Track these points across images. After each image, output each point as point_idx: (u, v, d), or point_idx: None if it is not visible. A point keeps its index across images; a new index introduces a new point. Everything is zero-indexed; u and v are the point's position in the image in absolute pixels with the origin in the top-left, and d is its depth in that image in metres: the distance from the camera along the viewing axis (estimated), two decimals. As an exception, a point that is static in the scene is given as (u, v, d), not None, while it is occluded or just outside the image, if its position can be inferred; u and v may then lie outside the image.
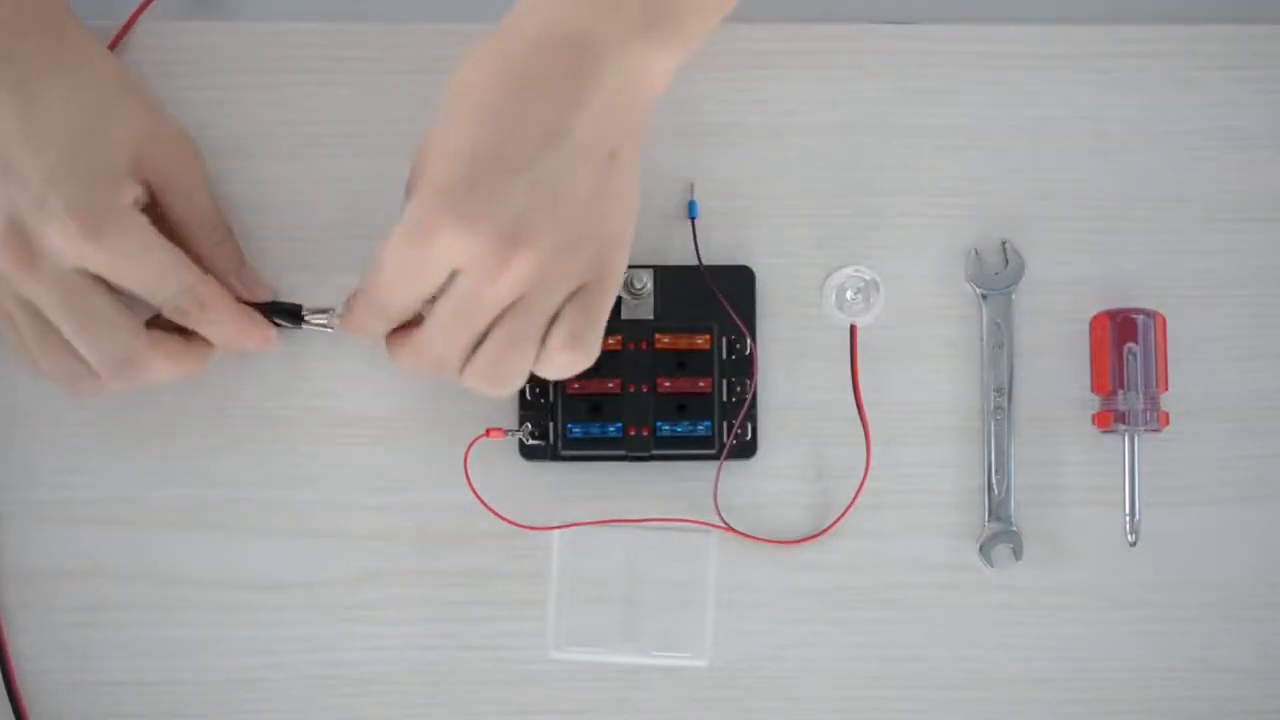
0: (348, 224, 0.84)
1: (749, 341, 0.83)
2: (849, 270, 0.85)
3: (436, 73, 0.83)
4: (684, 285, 0.83)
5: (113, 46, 0.83)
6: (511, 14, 0.72)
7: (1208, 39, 0.86)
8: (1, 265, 0.74)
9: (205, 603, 0.83)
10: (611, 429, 0.81)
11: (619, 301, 0.82)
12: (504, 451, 0.83)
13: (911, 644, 0.83)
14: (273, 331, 0.80)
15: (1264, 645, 0.84)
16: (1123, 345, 0.83)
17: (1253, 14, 0.87)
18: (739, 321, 0.82)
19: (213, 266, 0.79)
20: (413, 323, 0.76)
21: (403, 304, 0.75)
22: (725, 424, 0.82)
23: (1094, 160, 0.85)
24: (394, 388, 0.83)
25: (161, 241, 0.76)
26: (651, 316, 0.83)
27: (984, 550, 0.83)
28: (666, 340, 0.82)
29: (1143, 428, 0.83)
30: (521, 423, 0.82)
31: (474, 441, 0.81)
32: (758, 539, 0.83)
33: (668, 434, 0.82)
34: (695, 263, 0.83)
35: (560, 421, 0.82)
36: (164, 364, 0.78)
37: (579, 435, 0.81)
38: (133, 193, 0.76)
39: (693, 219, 0.84)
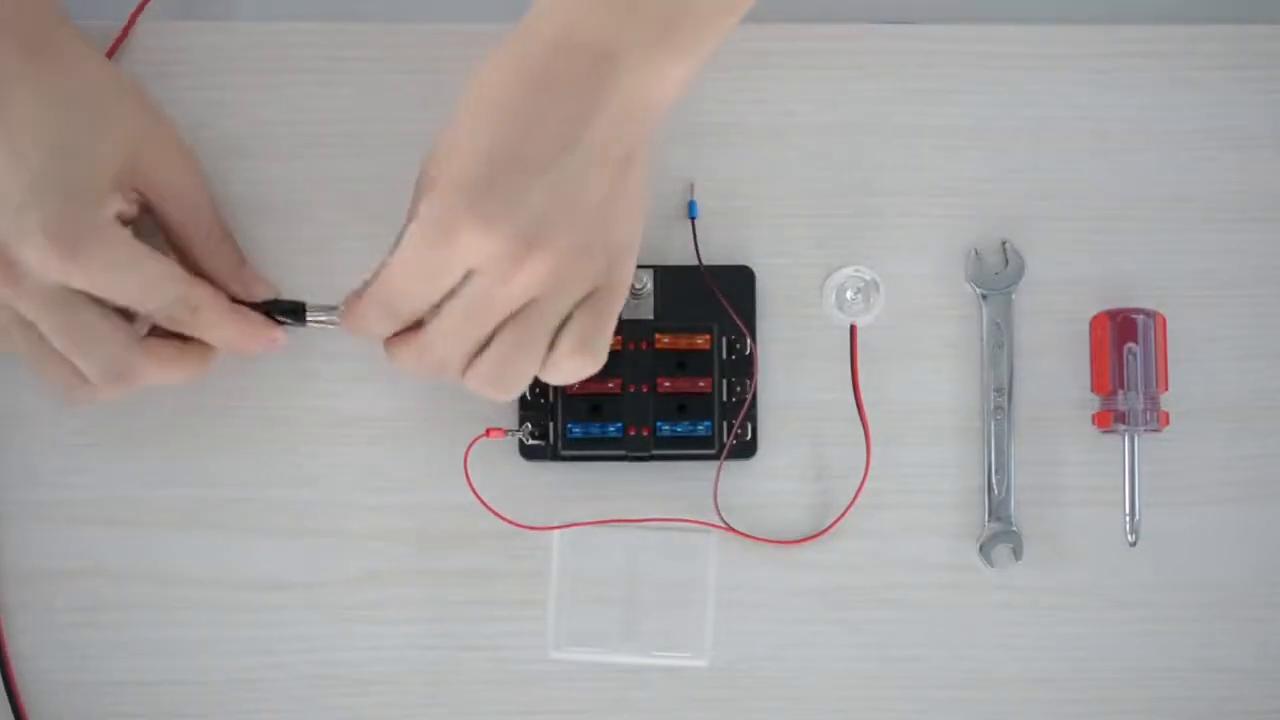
0: (348, 224, 0.84)
1: (749, 341, 0.83)
2: (849, 270, 0.85)
3: (436, 73, 0.83)
4: (684, 285, 0.83)
5: (112, 47, 0.83)
6: (530, 16, 0.72)
7: (1208, 39, 0.86)
8: None
9: (205, 603, 0.83)
10: (611, 429, 0.81)
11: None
12: (504, 451, 0.83)
13: (911, 644, 0.83)
14: (277, 331, 0.79)
15: (1264, 645, 0.84)
16: (1123, 345, 0.83)
17: (1253, 14, 0.87)
18: (739, 321, 0.82)
19: (211, 268, 0.79)
20: (413, 325, 0.76)
21: (414, 304, 0.74)
22: (725, 424, 0.82)
23: (1094, 160, 0.85)
24: (394, 388, 0.83)
25: (144, 252, 0.75)
26: (651, 316, 0.83)
27: (984, 550, 0.83)
28: (666, 340, 0.82)
29: (1143, 428, 0.83)
30: (521, 423, 0.82)
31: (474, 441, 0.81)
32: (758, 539, 0.83)
33: (668, 434, 0.82)
34: (695, 263, 0.83)
35: (560, 421, 0.82)
36: (160, 372, 0.78)
37: (579, 435, 0.81)
38: (115, 206, 0.75)
39: (693, 219, 0.84)
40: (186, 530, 0.83)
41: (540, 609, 0.81)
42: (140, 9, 0.84)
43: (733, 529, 0.82)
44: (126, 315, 0.77)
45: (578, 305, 0.74)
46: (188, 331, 0.77)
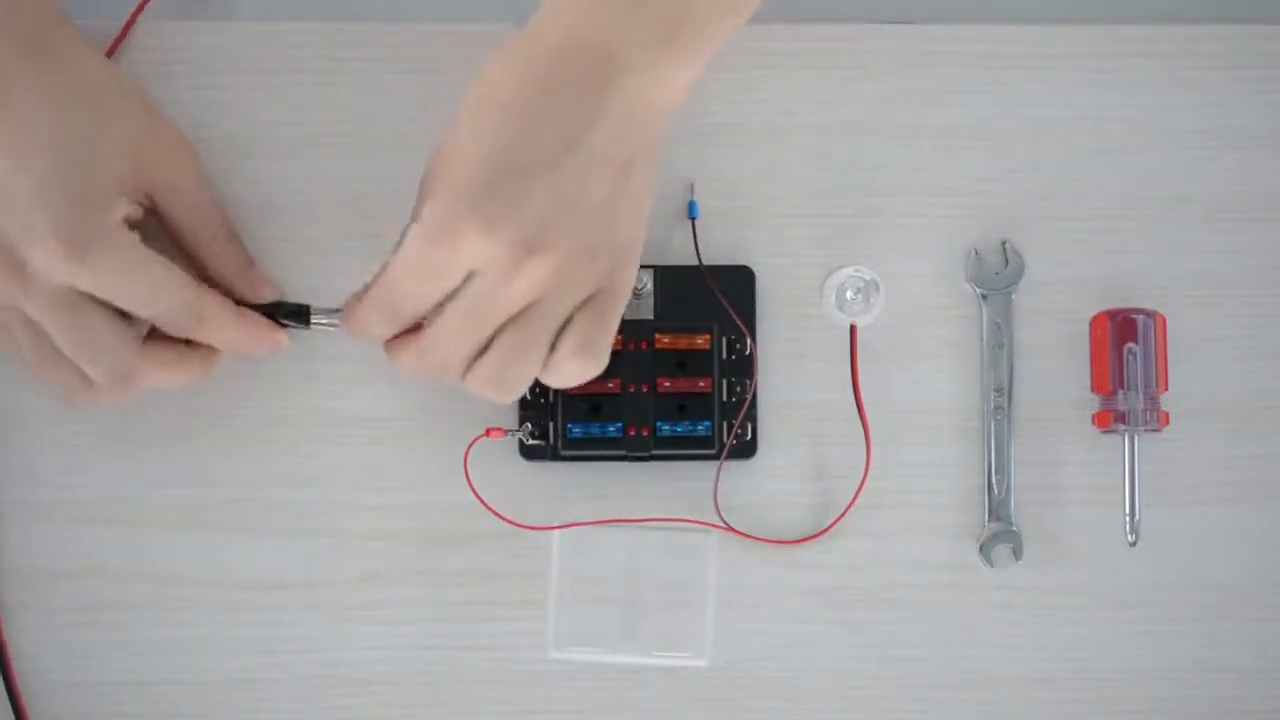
0: (348, 224, 0.84)
1: (749, 341, 0.83)
2: (849, 270, 0.85)
3: (436, 73, 0.83)
4: (684, 285, 0.83)
5: (111, 47, 0.83)
6: (535, 19, 0.72)
7: (1208, 39, 0.86)
8: None
9: (205, 603, 0.82)
10: (611, 429, 0.81)
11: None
12: (504, 451, 0.83)
13: (911, 644, 0.83)
14: (281, 334, 0.79)
15: (1264, 645, 0.84)
16: (1123, 345, 0.83)
17: (1253, 14, 0.87)
18: (739, 321, 0.82)
19: (218, 269, 0.79)
20: (412, 327, 0.76)
21: (415, 306, 0.74)
22: (725, 424, 0.82)
23: (1094, 160, 0.85)
24: (394, 388, 0.83)
25: (151, 258, 0.75)
26: (651, 316, 0.83)
27: (984, 550, 0.83)
28: (666, 340, 0.82)
29: (1143, 428, 0.83)
30: (521, 423, 0.82)
31: (474, 441, 0.81)
32: (758, 539, 0.83)
33: (668, 434, 0.82)
34: (695, 263, 0.83)
35: (560, 421, 0.82)
36: (163, 376, 0.78)
37: (579, 435, 0.81)
38: (123, 210, 0.75)
39: (693, 219, 0.84)
40: (186, 530, 0.83)
41: (540, 609, 0.81)
42: (140, 9, 0.84)
43: (733, 529, 0.82)
44: (128, 318, 0.77)
45: (579, 307, 0.74)
46: (193, 337, 0.77)
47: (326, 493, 0.83)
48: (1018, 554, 0.83)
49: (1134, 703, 0.83)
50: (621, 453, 0.82)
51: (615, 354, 0.81)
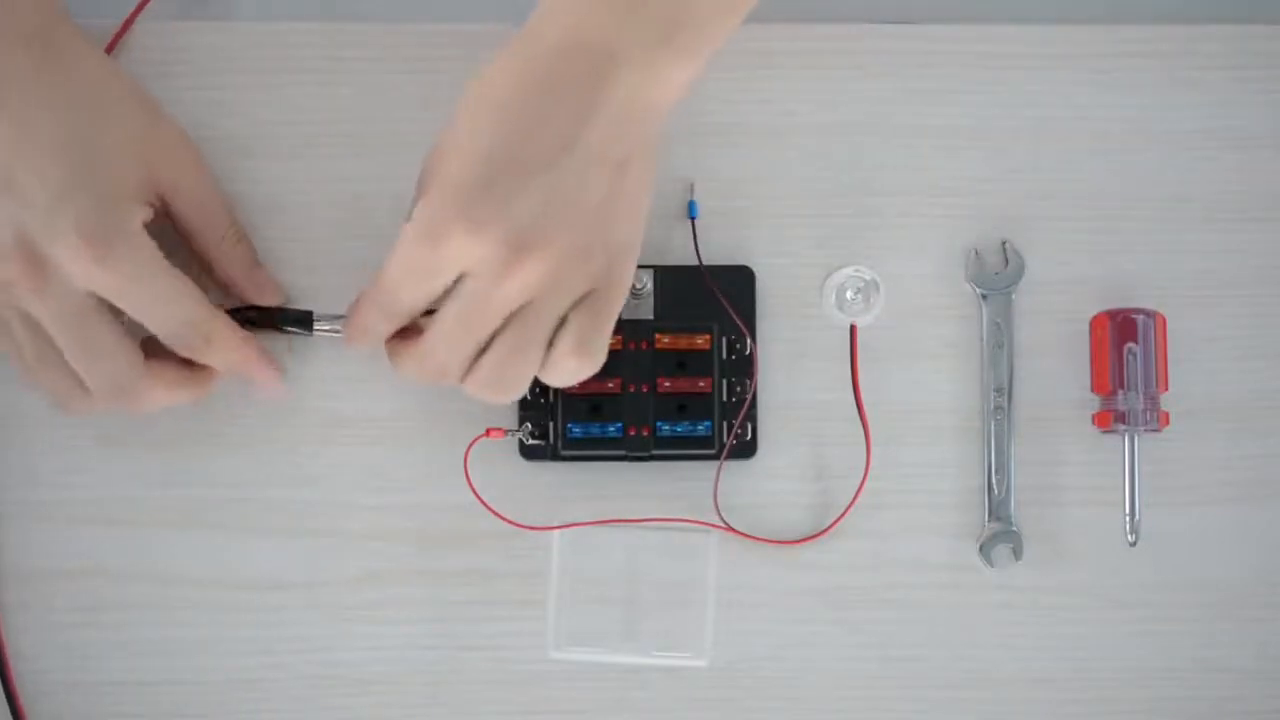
0: (348, 224, 0.84)
1: (749, 341, 0.83)
2: (849, 270, 0.85)
3: (436, 73, 0.83)
4: (684, 285, 0.83)
5: (110, 47, 0.83)
6: (534, 18, 0.72)
7: (1208, 39, 0.86)
8: (9, 279, 0.74)
9: (205, 603, 0.82)
10: (611, 429, 0.81)
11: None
12: (504, 451, 0.83)
13: (911, 644, 0.83)
14: (279, 374, 0.80)
15: (1264, 645, 0.84)
16: (1123, 345, 0.83)
17: (1253, 14, 0.87)
18: (739, 321, 0.82)
19: (225, 269, 0.79)
20: (413, 332, 0.76)
21: (410, 303, 0.75)
22: (725, 424, 0.82)
23: (1094, 160, 0.85)
24: (394, 388, 0.83)
25: (168, 267, 0.76)
26: (651, 316, 0.83)
27: (984, 550, 0.83)
28: (666, 340, 0.82)
29: (1143, 428, 0.83)
30: (521, 423, 0.82)
31: (474, 441, 0.81)
32: (758, 539, 0.83)
33: (668, 434, 0.82)
34: (695, 263, 0.83)
35: (560, 421, 0.82)
36: (161, 394, 0.78)
37: (579, 435, 0.81)
38: (142, 214, 0.75)
39: (693, 219, 0.84)
40: (186, 530, 0.83)
41: (540, 609, 0.81)
42: (140, 9, 0.84)
43: (733, 529, 0.82)
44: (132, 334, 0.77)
45: (575, 306, 0.74)
46: (196, 356, 0.77)
47: (326, 493, 0.83)
48: (1018, 554, 0.83)
49: (1134, 703, 0.83)
50: (621, 453, 0.82)
51: (615, 354, 0.81)
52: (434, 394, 0.83)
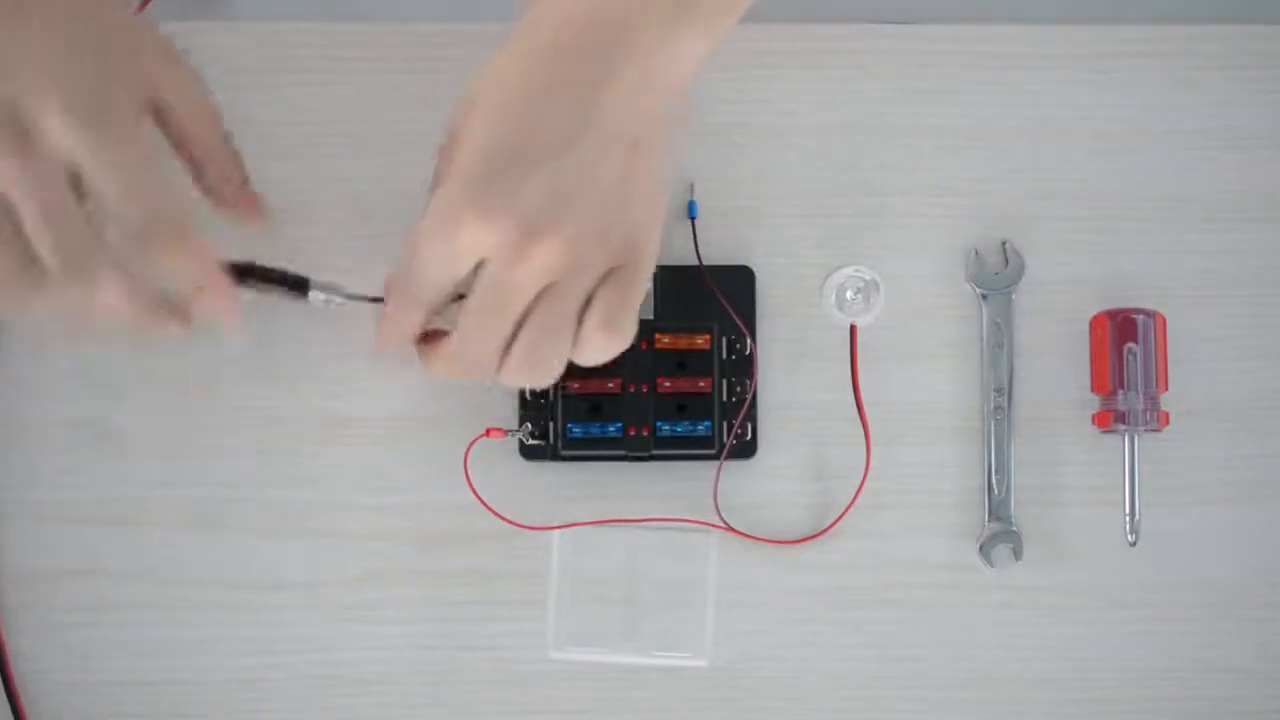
0: (348, 224, 0.84)
1: (749, 341, 0.83)
2: (849, 270, 0.85)
3: (436, 73, 0.83)
4: (684, 285, 0.83)
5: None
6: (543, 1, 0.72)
7: (1208, 39, 0.86)
8: None
9: (205, 603, 0.82)
10: (611, 429, 0.81)
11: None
12: (504, 451, 0.83)
13: (911, 644, 0.83)
14: (238, 305, 0.76)
15: (1264, 645, 0.84)
16: (1123, 345, 0.83)
17: (1253, 14, 0.87)
18: (739, 321, 0.82)
19: (214, 177, 0.77)
20: (442, 337, 0.76)
21: (434, 293, 0.74)
22: (725, 424, 0.82)
23: (1094, 160, 0.85)
24: (394, 388, 0.83)
25: (154, 160, 0.73)
26: (651, 316, 0.83)
27: (984, 550, 0.83)
28: (666, 340, 0.82)
29: (1143, 428, 0.83)
30: (521, 423, 0.82)
31: (474, 441, 0.81)
32: (758, 539, 0.83)
33: (668, 434, 0.82)
34: (695, 263, 0.83)
35: (560, 421, 0.82)
36: (114, 288, 0.72)
37: (579, 435, 0.82)
38: (135, 105, 0.73)
39: (693, 219, 0.84)
40: (186, 530, 0.83)
41: (540, 609, 0.81)
42: (141, 9, 0.84)
43: (733, 529, 0.82)
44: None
45: (600, 284, 0.73)
46: (159, 257, 0.72)
47: (326, 493, 0.83)
48: (1018, 554, 0.83)
49: (1134, 703, 0.83)
50: (621, 453, 0.82)
51: (615, 354, 0.81)
52: (434, 394, 0.83)
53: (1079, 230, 0.85)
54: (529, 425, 0.82)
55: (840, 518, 0.83)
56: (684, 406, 0.82)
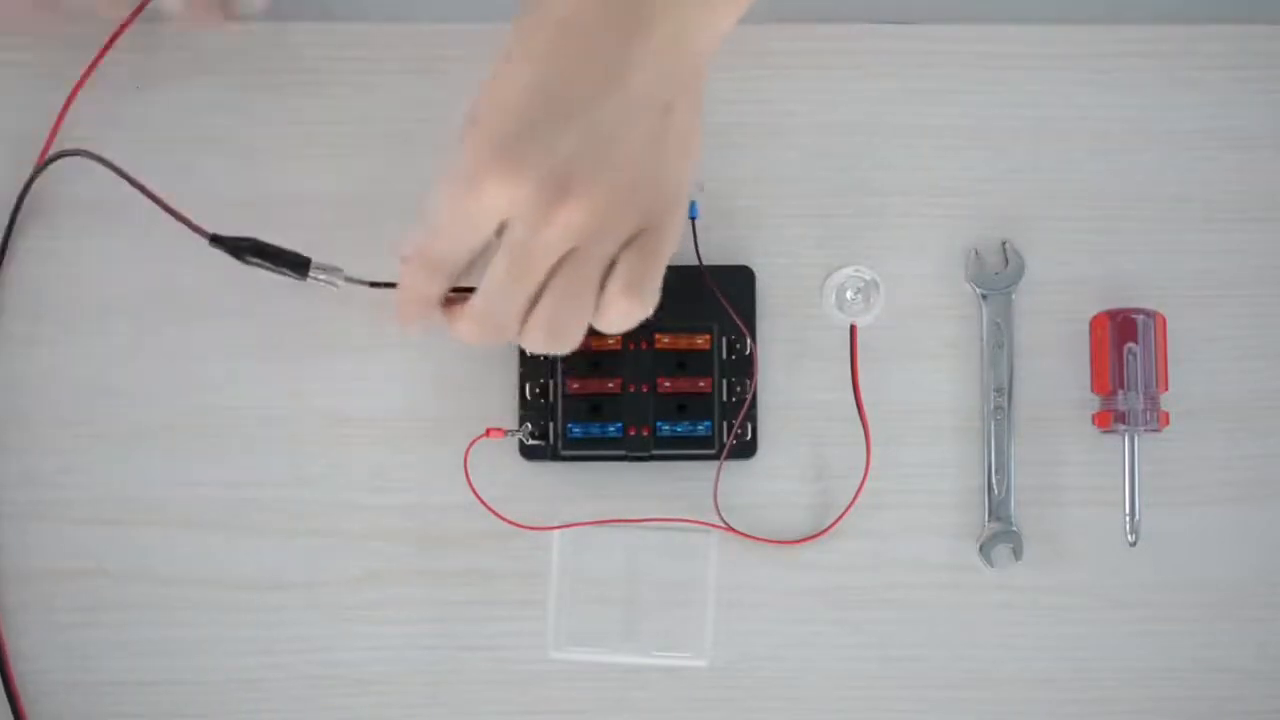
0: (348, 224, 0.84)
1: (749, 341, 0.83)
2: (849, 270, 0.85)
3: (436, 73, 0.84)
4: (684, 285, 0.83)
5: (109, 46, 0.83)
6: None
7: (1208, 39, 0.86)
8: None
9: (205, 603, 0.82)
10: (611, 429, 0.81)
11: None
12: (504, 451, 0.83)
13: (911, 644, 0.83)
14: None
15: (1264, 645, 0.84)
16: (1123, 345, 0.83)
17: (1253, 14, 0.87)
18: (739, 321, 0.82)
19: None
20: (461, 302, 0.75)
21: (455, 258, 0.73)
22: (725, 424, 0.82)
23: (1094, 160, 0.85)
24: (394, 388, 0.83)
25: None
26: (651, 316, 0.82)
27: (984, 550, 0.83)
28: (666, 340, 0.82)
29: (1143, 428, 0.83)
30: (521, 423, 0.82)
31: (474, 441, 0.81)
32: (758, 539, 0.83)
33: (668, 434, 0.82)
34: (695, 263, 0.83)
35: (560, 421, 0.82)
36: None
37: (579, 435, 0.81)
38: None
39: (693, 219, 0.84)
40: (186, 530, 0.83)
41: (540, 609, 0.81)
42: (140, 9, 0.84)
43: (733, 529, 0.82)
44: None
45: (624, 248, 0.73)
46: None
47: (326, 493, 0.83)
48: (1018, 554, 0.83)
49: (1134, 703, 0.83)
50: (621, 453, 0.82)
51: (615, 354, 0.81)
52: (434, 394, 0.83)
53: (1079, 230, 0.85)
54: (529, 425, 0.82)
55: (840, 518, 0.83)
56: (684, 406, 0.82)
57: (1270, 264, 0.85)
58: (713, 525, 0.82)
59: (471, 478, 0.81)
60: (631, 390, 0.81)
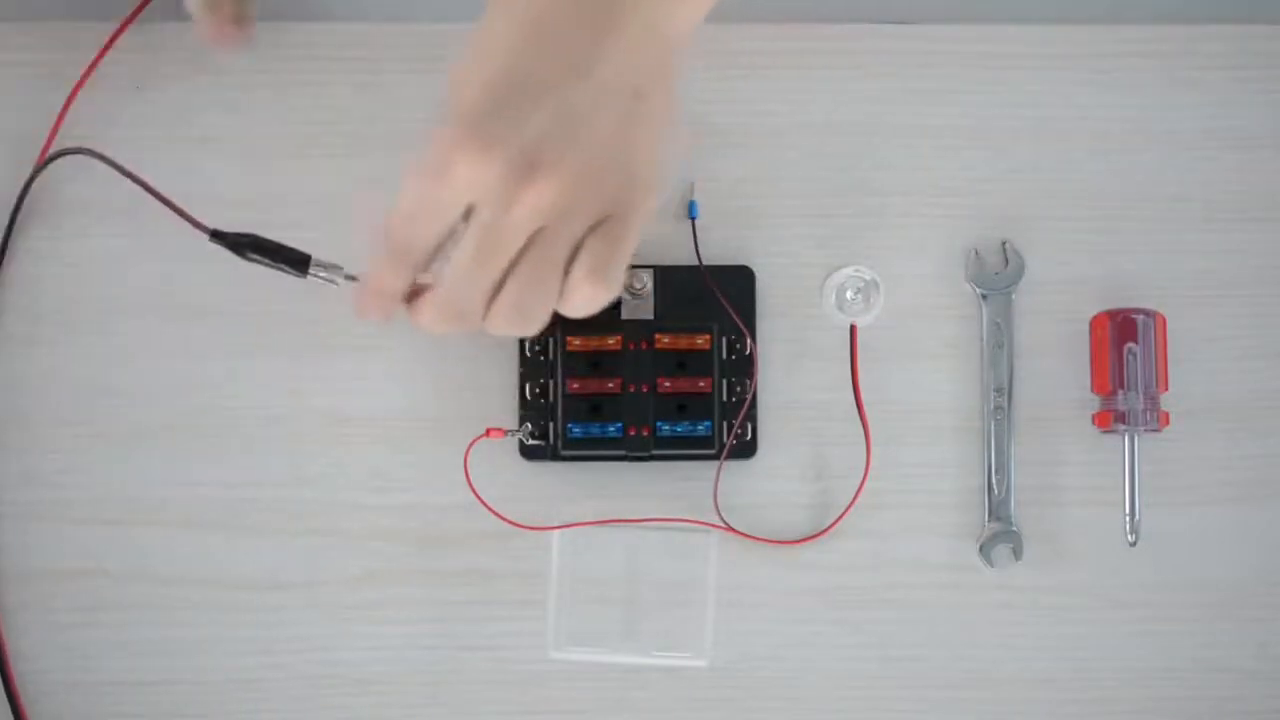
0: (347, 224, 0.84)
1: (749, 341, 0.83)
2: (849, 270, 0.85)
3: (437, 73, 0.83)
4: (684, 285, 0.83)
5: (109, 45, 0.83)
6: None
7: (1208, 39, 0.86)
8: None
9: (205, 603, 0.82)
10: (611, 429, 0.81)
11: (619, 301, 0.82)
12: (504, 451, 0.83)
13: (911, 644, 0.83)
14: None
15: (1264, 645, 0.84)
16: (1123, 345, 0.83)
17: (1253, 14, 0.87)
18: (739, 321, 0.82)
19: None
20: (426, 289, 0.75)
21: (422, 245, 0.72)
22: (725, 424, 0.82)
23: (1094, 160, 0.85)
24: (395, 388, 0.83)
25: None
26: (651, 316, 0.83)
27: (984, 550, 0.83)
28: (666, 340, 0.82)
29: (1143, 428, 0.83)
30: (521, 423, 0.82)
31: (474, 441, 0.81)
32: (758, 539, 0.83)
33: (668, 434, 0.82)
34: (695, 263, 0.83)
35: (560, 421, 0.82)
36: None
37: (579, 435, 0.81)
38: None
39: (693, 219, 0.84)
40: (186, 530, 0.83)
41: (540, 609, 0.81)
42: (140, 8, 0.84)
43: (733, 529, 0.82)
44: None
45: (590, 232, 0.73)
46: None
47: (326, 493, 0.83)
48: (1018, 554, 0.83)
49: (1134, 703, 0.83)
50: (621, 453, 0.82)
51: (615, 354, 0.81)
52: (434, 394, 0.83)
53: (1079, 230, 0.85)
54: (529, 425, 0.82)
55: (840, 518, 0.83)
56: (684, 406, 0.82)
57: (1270, 264, 0.85)
58: (713, 525, 0.82)
59: (471, 478, 0.81)
60: (631, 390, 0.81)
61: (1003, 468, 0.84)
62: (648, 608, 0.81)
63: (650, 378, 0.82)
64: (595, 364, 0.81)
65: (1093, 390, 0.84)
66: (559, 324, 0.81)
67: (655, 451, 0.82)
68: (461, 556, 0.83)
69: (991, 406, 0.84)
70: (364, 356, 0.83)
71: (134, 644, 0.82)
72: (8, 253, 0.83)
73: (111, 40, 0.84)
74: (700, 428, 0.82)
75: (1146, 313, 0.83)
